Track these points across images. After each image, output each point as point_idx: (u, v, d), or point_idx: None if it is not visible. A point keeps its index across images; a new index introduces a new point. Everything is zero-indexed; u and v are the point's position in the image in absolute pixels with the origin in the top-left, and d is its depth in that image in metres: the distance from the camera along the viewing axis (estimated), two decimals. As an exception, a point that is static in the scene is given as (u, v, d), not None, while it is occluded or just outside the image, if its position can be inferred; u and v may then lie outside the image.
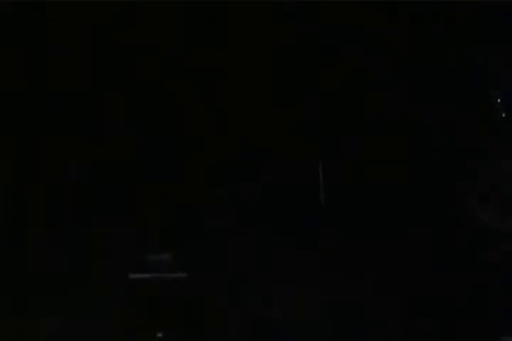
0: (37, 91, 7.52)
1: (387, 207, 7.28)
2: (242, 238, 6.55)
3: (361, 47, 7.61)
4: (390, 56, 7.65)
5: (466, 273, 6.04)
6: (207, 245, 6.60)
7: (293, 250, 6.61)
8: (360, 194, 7.49)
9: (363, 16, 7.53)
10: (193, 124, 7.64)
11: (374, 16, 7.54)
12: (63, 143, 7.56)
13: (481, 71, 7.54)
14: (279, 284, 6.03)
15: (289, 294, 5.79)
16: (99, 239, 6.81)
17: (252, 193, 7.18)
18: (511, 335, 4.62)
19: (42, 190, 7.39)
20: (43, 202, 7.32)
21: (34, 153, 7.48)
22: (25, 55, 7.49)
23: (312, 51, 7.64)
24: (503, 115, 7.32)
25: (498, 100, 7.27)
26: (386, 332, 4.99)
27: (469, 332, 4.98)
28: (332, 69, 7.64)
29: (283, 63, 7.65)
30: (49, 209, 7.27)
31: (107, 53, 7.61)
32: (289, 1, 7.54)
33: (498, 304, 5.50)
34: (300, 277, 5.97)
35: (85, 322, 5.09)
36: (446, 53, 7.65)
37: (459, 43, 7.61)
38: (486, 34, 7.53)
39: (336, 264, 6.34)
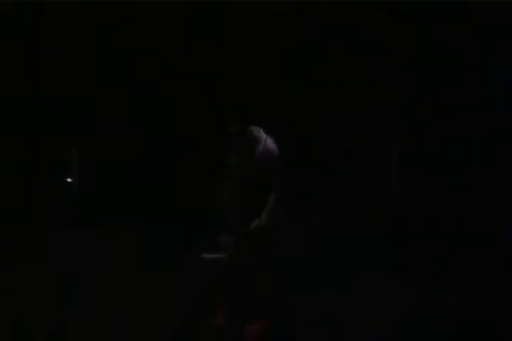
0: (37, 91, 7.52)
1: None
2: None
3: (361, 47, 7.61)
4: (390, 56, 7.65)
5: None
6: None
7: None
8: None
9: (363, 16, 7.53)
10: (193, 124, 7.64)
11: (374, 16, 7.55)
12: (63, 143, 7.57)
13: (481, 71, 7.55)
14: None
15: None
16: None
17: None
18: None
19: (42, 190, 7.39)
20: (43, 202, 7.32)
21: (34, 153, 7.49)
22: (25, 55, 7.49)
23: (312, 51, 7.65)
24: None
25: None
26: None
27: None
28: (332, 69, 7.65)
29: (283, 63, 7.65)
30: (49, 209, 7.27)
31: (107, 53, 7.61)
32: (289, 1, 7.55)
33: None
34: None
35: (160, 298, 5.08)
36: (446, 53, 7.65)
37: (459, 43, 7.61)
38: (486, 34, 7.54)
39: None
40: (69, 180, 7.02)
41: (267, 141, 4.77)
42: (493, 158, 7.51)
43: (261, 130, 4.79)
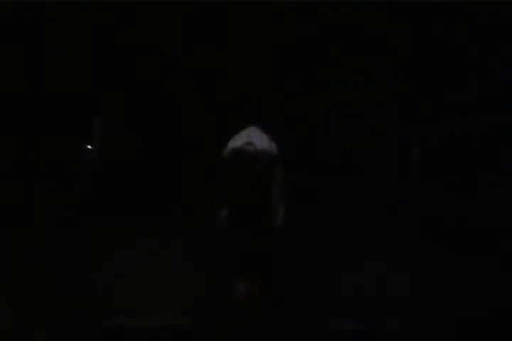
0: (37, 91, 7.53)
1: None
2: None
3: (361, 47, 7.62)
4: (390, 56, 7.66)
5: None
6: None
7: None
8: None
9: (363, 16, 7.54)
10: (193, 124, 7.64)
11: (374, 16, 7.55)
12: (63, 143, 7.57)
13: (481, 71, 7.55)
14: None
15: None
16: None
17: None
18: None
19: (42, 190, 7.39)
20: (43, 201, 7.32)
21: (34, 153, 7.49)
22: (25, 55, 7.50)
23: (312, 51, 7.65)
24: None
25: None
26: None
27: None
28: (332, 69, 7.65)
29: (283, 63, 7.66)
30: (48, 208, 7.27)
31: (107, 53, 7.62)
32: (289, 1, 7.55)
33: None
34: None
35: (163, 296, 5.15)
36: (446, 53, 7.66)
37: (459, 43, 7.62)
38: (486, 34, 7.54)
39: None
40: (89, 147, 7.17)
41: (263, 144, 4.67)
42: (493, 158, 7.52)
43: (249, 132, 4.73)
